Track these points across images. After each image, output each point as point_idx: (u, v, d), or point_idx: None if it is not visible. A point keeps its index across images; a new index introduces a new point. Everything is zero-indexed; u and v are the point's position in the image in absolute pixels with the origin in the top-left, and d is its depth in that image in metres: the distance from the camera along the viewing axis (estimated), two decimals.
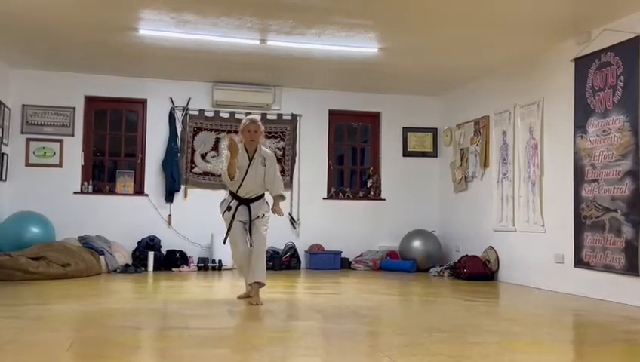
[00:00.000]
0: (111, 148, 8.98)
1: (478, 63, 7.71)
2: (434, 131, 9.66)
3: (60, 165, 8.48)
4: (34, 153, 8.41)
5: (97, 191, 8.67)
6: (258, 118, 5.51)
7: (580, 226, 6.23)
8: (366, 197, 9.55)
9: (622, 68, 5.74)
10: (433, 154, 9.66)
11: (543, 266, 6.84)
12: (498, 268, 7.75)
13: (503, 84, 7.86)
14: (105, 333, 3.92)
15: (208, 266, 8.36)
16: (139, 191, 8.76)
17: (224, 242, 5.33)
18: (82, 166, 8.63)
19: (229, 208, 5.31)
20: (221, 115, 9.01)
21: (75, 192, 8.52)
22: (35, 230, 7.74)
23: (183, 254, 8.44)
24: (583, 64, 6.25)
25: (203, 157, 8.96)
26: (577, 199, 6.27)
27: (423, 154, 9.67)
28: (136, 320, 4.44)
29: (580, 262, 6.23)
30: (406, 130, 9.63)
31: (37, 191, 8.27)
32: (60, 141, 8.50)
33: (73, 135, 8.55)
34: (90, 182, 8.65)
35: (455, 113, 9.11)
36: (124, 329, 4.09)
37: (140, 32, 6.65)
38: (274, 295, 5.79)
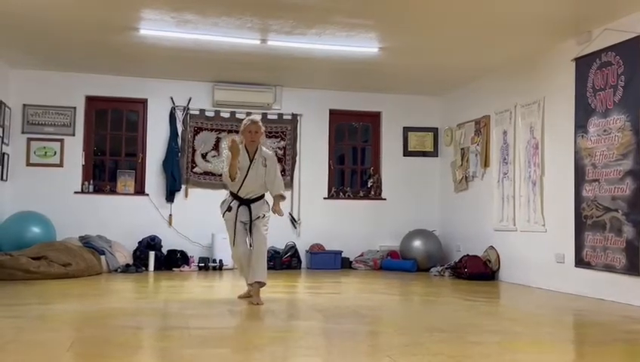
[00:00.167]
0: (112, 147, 8.99)
1: (479, 63, 7.71)
2: (434, 131, 9.66)
3: (60, 165, 8.48)
4: (35, 153, 8.42)
5: (98, 190, 8.67)
6: (259, 118, 5.52)
7: (580, 226, 6.23)
8: (367, 196, 9.55)
9: (623, 67, 5.73)
10: (434, 153, 9.66)
11: (543, 266, 6.84)
12: (499, 267, 7.75)
13: (503, 83, 7.86)
14: (106, 333, 3.92)
15: (209, 266, 8.36)
16: (139, 190, 8.76)
17: (233, 245, 5.32)
18: (83, 166, 8.63)
19: (229, 209, 5.32)
20: (222, 114, 9.01)
21: (75, 192, 8.52)
22: (35, 230, 7.75)
23: (183, 254, 8.44)
24: (583, 64, 6.25)
25: (204, 156, 8.96)
26: (578, 199, 6.27)
27: (424, 153, 9.67)
28: (136, 320, 4.44)
29: (580, 262, 6.22)
30: (407, 130, 9.63)
31: (38, 191, 8.28)
32: (61, 141, 8.50)
33: (74, 135, 8.56)
34: (91, 181, 8.66)
35: (456, 113, 9.11)
36: (125, 328, 4.09)
37: (141, 31, 6.65)
38: (275, 294, 5.79)
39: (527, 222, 7.21)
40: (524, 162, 7.32)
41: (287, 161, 9.17)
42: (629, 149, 5.62)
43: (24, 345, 3.43)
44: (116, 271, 7.78)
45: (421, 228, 9.16)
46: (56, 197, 8.32)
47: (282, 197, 5.37)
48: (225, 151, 8.63)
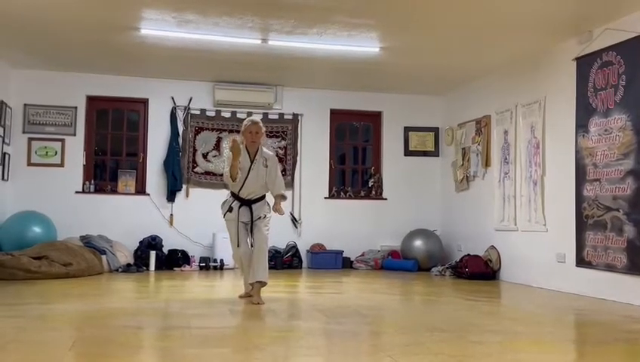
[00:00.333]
0: (112, 147, 8.99)
1: (480, 62, 7.70)
2: (435, 130, 9.66)
3: (61, 165, 8.49)
4: (36, 153, 8.42)
5: (99, 190, 8.67)
6: (259, 119, 5.53)
7: (581, 225, 6.23)
8: (367, 196, 9.55)
9: (624, 67, 5.73)
10: (435, 153, 9.66)
11: (544, 265, 6.83)
12: (500, 267, 7.75)
13: (504, 83, 7.86)
14: (107, 333, 3.92)
15: (210, 266, 8.36)
16: (140, 190, 8.77)
17: (237, 246, 5.32)
18: (84, 165, 8.63)
19: (230, 209, 5.32)
20: (222, 114, 9.01)
21: (76, 192, 8.53)
22: (36, 229, 7.75)
23: (184, 253, 8.45)
24: (584, 63, 6.25)
25: (204, 156, 8.97)
26: (579, 198, 6.27)
27: (425, 153, 9.67)
28: (137, 320, 4.44)
29: (581, 262, 6.22)
30: (407, 130, 9.63)
31: (39, 191, 8.28)
32: (62, 140, 8.51)
33: (75, 134, 8.56)
34: (92, 181, 8.66)
35: (457, 112, 9.11)
36: (126, 328, 4.09)
37: (142, 31, 6.65)
38: (276, 294, 5.79)
39: (528, 221, 7.20)
40: (525, 162, 7.31)
41: (288, 160, 9.17)
42: (630, 149, 5.62)
43: (25, 345, 3.43)
44: (117, 270, 7.78)
45: (422, 227, 9.16)
46: (57, 197, 8.33)
47: (283, 197, 5.37)
48: (226, 152, 8.65)
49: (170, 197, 8.74)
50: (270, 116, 9.09)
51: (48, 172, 8.41)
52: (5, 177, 8.05)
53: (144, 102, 8.87)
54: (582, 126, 6.25)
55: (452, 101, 9.34)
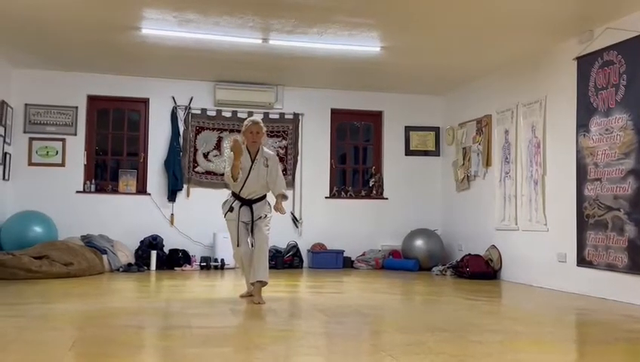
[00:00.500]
0: (113, 147, 9.00)
1: (481, 62, 7.70)
2: (436, 130, 9.66)
3: (62, 164, 8.49)
4: (37, 152, 8.43)
5: (100, 190, 8.68)
6: (260, 119, 5.53)
7: (582, 225, 6.23)
8: (368, 196, 9.55)
9: (624, 66, 5.73)
10: (435, 153, 9.66)
11: (545, 265, 6.83)
12: (501, 267, 7.74)
13: (505, 82, 7.86)
14: (108, 332, 3.93)
15: (211, 265, 8.37)
16: (141, 190, 8.77)
17: (238, 245, 5.32)
18: (85, 165, 8.64)
19: (231, 209, 5.33)
20: (223, 114, 9.01)
21: (77, 191, 8.53)
22: (37, 229, 7.76)
23: (185, 253, 8.45)
24: (585, 63, 6.24)
25: (205, 156, 8.97)
26: (580, 198, 6.26)
27: (426, 153, 9.67)
28: (138, 319, 4.44)
29: (582, 261, 6.22)
30: (408, 129, 9.63)
31: (40, 191, 8.29)
32: (63, 140, 8.51)
33: (76, 134, 8.57)
34: (93, 181, 8.66)
35: (457, 112, 9.10)
36: (127, 328, 4.09)
37: (143, 31, 6.65)
38: (276, 294, 5.79)
39: (529, 221, 7.20)
40: (525, 161, 7.31)
41: (288, 160, 9.17)
42: (631, 148, 5.61)
43: (26, 345, 3.43)
44: (118, 270, 7.78)
45: (423, 227, 9.16)
46: (58, 196, 8.33)
47: (284, 197, 5.38)
48: (227, 151, 8.66)
49: (171, 196, 8.74)
50: (271, 116, 9.09)
51: (49, 172, 8.42)
52: (6, 177, 8.06)
53: (145, 101, 8.87)
54: (583, 125, 6.25)
55: (453, 100, 9.34)
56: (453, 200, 9.16)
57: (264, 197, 5.43)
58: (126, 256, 8.06)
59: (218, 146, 8.99)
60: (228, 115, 9.02)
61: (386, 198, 9.50)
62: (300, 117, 9.25)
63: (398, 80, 8.76)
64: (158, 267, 8.19)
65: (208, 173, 8.95)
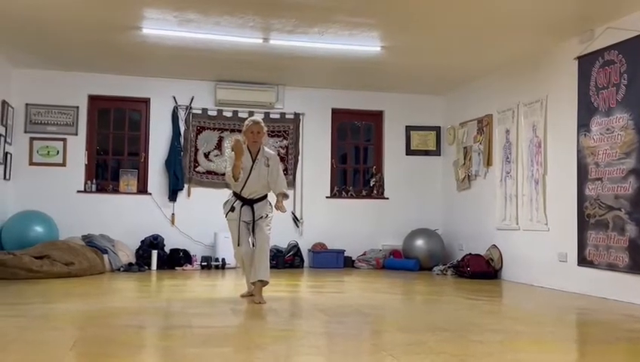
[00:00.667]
0: (114, 147, 9.00)
1: (481, 62, 7.70)
2: (437, 130, 9.66)
3: (63, 164, 8.49)
4: (37, 152, 8.43)
5: (101, 190, 8.68)
6: (261, 118, 5.54)
7: (583, 225, 6.22)
8: (369, 195, 9.55)
9: (625, 66, 5.72)
10: (436, 152, 9.66)
11: (546, 265, 6.83)
12: (501, 266, 7.74)
13: (506, 82, 7.85)
14: (108, 332, 3.93)
15: (211, 265, 8.37)
16: (142, 190, 8.77)
17: (239, 245, 5.32)
18: (86, 165, 8.64)
19: (232, 209, 5.34)
20: (224, 113, 9.01)
21: (78, 191, 8.54)
22: (38, 229, 7.77)
23: (186, 253, 8.45)
24: (586, 62, 6.24)
25: (206, 156, 8.97)
26: (581, 197, 6.26)
27: (426, 152, 9.66)
28: (139, 319, 4.44)
29: (583, 261, 6.21)
30: (409, 129, 9.63)
31: (40, 190, 8.29)
32: (64, 140, 8.51)
33: (77, 134, 8.57)
34: (94, 181, 8.67)
35: (458, 111, 9.10)
36: (128, 327, 4.09)
37: (144, 31, 6.65)
38: (277, 293, 5.79)
39: (530, 220, 7.20)
40: (526, 161, 7.31)
41: (289, 160, 9.17)
42: (632, 148, 5.61)
43: (27, 344, 3.43)
44: (119, 270, 7.79)
45: (423, 227, 9.16)
46: (58, 196, 8.34)
47: (285, 196, 5.38)
48: (227, 151, 8.66)
49: (172, 196, 8.75)
50: (272, 115, 9.09)
51: (50, 171, 8.42)
52: (7, 177, 8.06)
53: (146, 101, 8.87)
54: (584, 125, 6.24)
55: (454, 100, 9.33)
56: (454, 199, 9.16)
57: (265, 196, 5.44)
58: (127, 256, 8.07)
59: (219, 146, 8.99)
60: (229, 114, 9.02)
61: (387, 198, 9.50)
62: (301, 117, 9.25)
63: (398, 80, 8.75)
64: (158, 267, 8.19)
65: (209, 172, 8.96)
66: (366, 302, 5.57)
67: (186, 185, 8.82)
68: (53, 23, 6.45)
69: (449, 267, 8.27)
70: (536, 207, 7.08)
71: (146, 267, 8.10)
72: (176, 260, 8.34)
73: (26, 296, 5.46)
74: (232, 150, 5.14)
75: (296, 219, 9.11)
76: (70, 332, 3.93)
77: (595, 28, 6.13)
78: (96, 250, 7.67)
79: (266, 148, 5.47)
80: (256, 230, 5.31)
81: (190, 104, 8.90)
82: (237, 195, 5.36)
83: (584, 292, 6.14)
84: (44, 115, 8.47)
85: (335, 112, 9.47)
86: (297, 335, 3.93)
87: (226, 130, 8.99)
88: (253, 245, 5.34)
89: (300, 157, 9.23)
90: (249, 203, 5.33)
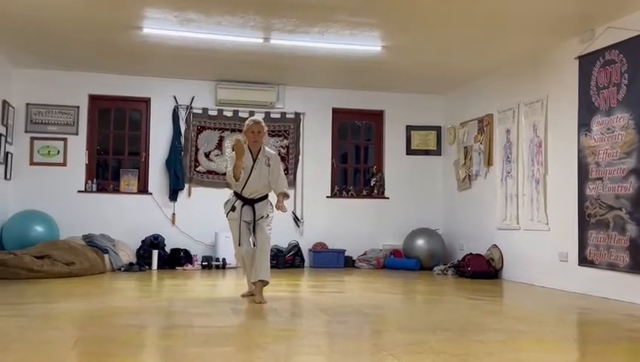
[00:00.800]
0: (115, 146, 9.00)
1: (482, 61, 7.69)
2: (438, 129, 9.65)
3: (64, 164, 8.50)
4: (38, 152, 8.43)
5: (101, 189, 8.68)
6: (262, 118, 5.54)
7: (584, 224, 6.22)
8: (370, 195, 9.55)
9: (626, 65, 5.72)
10: (437, 152, 9.65)
11: (547, 264, 6.83)
12: (502, 266, 7.74)
13: (506, 82, 7.85)
14: (109, 332, 3.93)
15: (212, 265, 8.37)
16: (143, 189, 8.77)
17: (240, 245, 5.32)
18: (86, 165, 8.64)
19: (233, 208, 5.34)
20: (225, 113, 9.01)
21: (79, 191, 8.54)
22: (39, 229, 7.77)
23: (187, 253, 8.45)
24: (587, 62, 6.24)
25: (207, 155, 8.97)
26: (581, 197, 6.26)
27: (427, 152, 9.66)
28: (140, 319, 4.44)
29: (584, 261, 6.21)
30: (410, 129, 9.63)
31: (41, 190, 8.29)
32: (64, 140, 8.51)
33: (77, 134, 8.57)
34: (94, 180, 8.67)
35: (459, 111, 9.10)
36: (129, 327, 4.10)
37: (144, 30, 6.65)
38: (278, 293, 5.79)
39: (531, 220, 7.20)
40: (527, 160, 7.31)
41: (290, 159, 9.17)
42: (633, 148, 5.61)
43: (28, 344, 3.43)
44: (119, 269, 7.79)
45: (424, 226, 9.16)
46: (59, 196, 8.34)
47: (286, 196, 5.38)
48: (228, 151, 8.66)
49: (173, 196, 8.75)
50: (272, 115, 9.09)
51: (51, 171, 8.42)
52: (8, 176, 8.06)
53: (146, 101, 8.87)
54: (584, 125, 6.24)
55: (454, 100, 9.33)
56: (455, 199, 9.15)
57: (266, 196, 5.44)
58: (127, 256, 8.07)
59: (219, 146, 8.99)
60: (229, 114, 9.02)
61: (387, 198, 9.50)
62: (302, 116, 9.25)
63: (399, 79, 8.75)
64: (159, 266, 8.19)
65: (210, 172, 8.96)
66: (367, 301, 5.57)
67: (186, 185, 8.82)
68: (53, 22, 6.45)
69: (450, 267, 8.27)
70: (536, 206, 7.08)
71: (147, 267, 8.11)
72: (176, 260, 8.34)
73: (27, 296, 5.46)
74: (233, 150, 5.14)
75: (296, 219, 9.11)
76: (71, 331, 3.94)
77: (595, 27, 6.13)
78: (96, 250, 7.68)
79: (267, 148, 5.47)
80: (257, 230, 5.31)
81: (191, 104, 8.90)
82: (238, 195, 5.37)
83: (585, 292, 6.14)
84: (44, 115, 8.47)
85: (336, 112, 9.47)
86: (298, 335, 3.93)
87: (227, 129, 8.99)
88: (253, 245, 5.34)
89: (300, 157, 9.23)
90: (250, 203, 5.33)
